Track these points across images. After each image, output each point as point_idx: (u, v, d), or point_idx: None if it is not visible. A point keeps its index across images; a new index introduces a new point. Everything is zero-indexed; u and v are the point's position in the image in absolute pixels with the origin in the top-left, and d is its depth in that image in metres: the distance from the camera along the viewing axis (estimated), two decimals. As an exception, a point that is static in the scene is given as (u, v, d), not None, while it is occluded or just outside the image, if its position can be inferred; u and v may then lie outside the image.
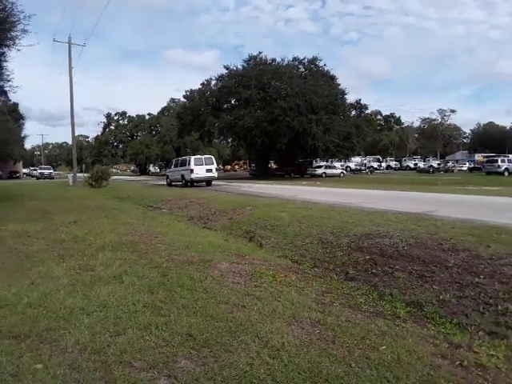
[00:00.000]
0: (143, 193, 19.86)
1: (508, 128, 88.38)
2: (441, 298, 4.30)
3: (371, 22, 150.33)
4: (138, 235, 7.86)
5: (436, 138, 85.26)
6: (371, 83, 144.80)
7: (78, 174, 33.08)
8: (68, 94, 29.98)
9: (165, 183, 30.51)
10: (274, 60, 41.12)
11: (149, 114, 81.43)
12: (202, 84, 43.44)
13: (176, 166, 26.93)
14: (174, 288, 4.40)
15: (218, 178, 41.16)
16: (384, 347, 3.07)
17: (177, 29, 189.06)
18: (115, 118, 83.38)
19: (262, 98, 37.88)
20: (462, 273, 4.76)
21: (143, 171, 78.33)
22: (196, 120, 41.76)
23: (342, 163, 52.46)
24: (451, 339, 3.38)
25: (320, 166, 44.25)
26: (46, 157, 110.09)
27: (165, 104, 79.01)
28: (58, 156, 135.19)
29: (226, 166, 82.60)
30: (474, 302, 4.14)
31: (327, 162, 47.49)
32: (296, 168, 43.25)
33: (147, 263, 5.56)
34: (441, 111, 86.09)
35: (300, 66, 42.77)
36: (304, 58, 42.23)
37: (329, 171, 42.58)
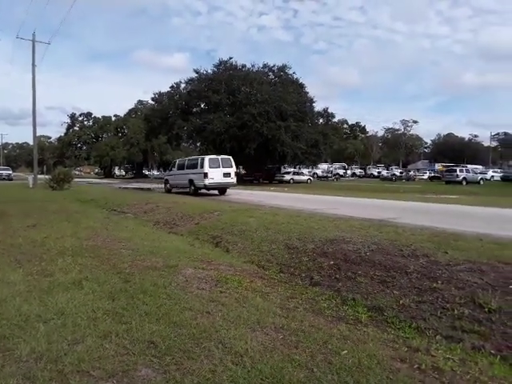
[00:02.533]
0: (107, 196, 19.34)
1: (467, 139, 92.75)
2: (401, 302, 4.42)
3: (341, 33, 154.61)
4: (101, 240, 7.64)
5: (399, 148, 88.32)
6: (340, 92, 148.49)
7: (39, 176, 31.80)
8: (31, 93, 28.86)
9: (125, 187, 29.78)
10: (244, 66, 41.42)
11: (115, 116, 79.72)
12: (172, 87, 43.09)
13: (181, 168, 21.92)
14: (137, 294, 4.30)
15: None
16: (345, 352, 3.13)
17: (148, 31, 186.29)
18: (79, 118, 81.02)
19: (231, 103, 37.97)
20: (421, 278, 4.92)
21: (108, 174, 76.41)
22: (164, 123, 41.33)
23: (310, 170, 53.32)
24: (410, 343, 3.48)
25: (288, 172, 44.81)
26: (5, 157, 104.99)
27: (132, 106, 77.55)
28: (17, 156, 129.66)
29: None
30: (432, 307, 4.28)
31: (295, 168, 48.13)
32: (264, 174, 43.51)
33: (109, 269, 5.41)
34: (404, 122, 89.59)
35: (270, 73, 43.22)
36: (274, 66, 42.75)
37: (296, 177, 43.18)
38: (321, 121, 47.55)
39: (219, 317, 3.79)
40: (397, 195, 19.82)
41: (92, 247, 6.89)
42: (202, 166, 19.32)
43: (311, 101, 43.90)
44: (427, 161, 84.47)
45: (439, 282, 4.74)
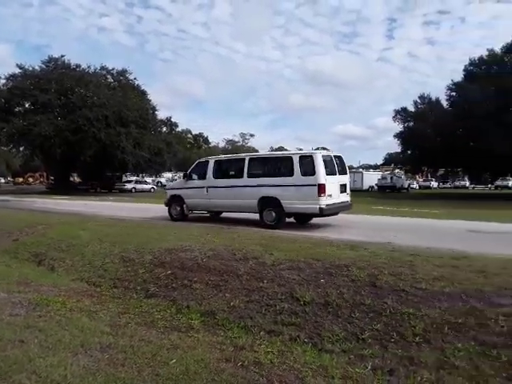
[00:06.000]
0: None
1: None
2: (231, 304, 4.68)
3: (186, 46, 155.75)
4: None
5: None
6: (185, 102, 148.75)
7: None
8: None
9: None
10: (78, 66, 38.04)
11: None
12: (-14, 82, 36.64)
13: (227, 174, 11.28)
14: None
15: (7, 192, 35.07)
16: (174, 361, 3.14)
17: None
18: None
19: (63, 105, 34.43)
20: (250, 279, 5.31)
21: None
22: (-24, 123, 34.85)
23: (154, 178, 52.28)
24: (237, 342, 3.71)
25: (130, 181, 42.97)
26: None
27: None
28: None
29: (16, 179, 71.07)
30: (258, 305, 4.65)
31: (138, 176, 46.53)
32: (103, 182, 40.65)
33: None
34: (242, 135, 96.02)
35: (108, 76, 40.79)
36: (113, 69, 40.49)
37: (139, 186, 41.66)
38: (164, 129, 47.14)
39: (35, 344, 3.36)
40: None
41: None
42: (307, 172, 9.49)
43: (154, 108, 43.08)
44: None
45: (265, 281, 5.19)
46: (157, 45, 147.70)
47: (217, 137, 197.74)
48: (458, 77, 33.85)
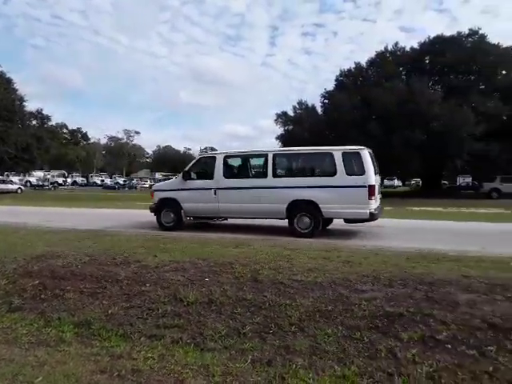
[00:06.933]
0: None
1: (182, 151, 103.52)
2: (109, 312, 4.40)
3: (61, 33, 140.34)
4: None
5: (122, 156, 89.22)
6: (61, 93, 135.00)
7: None
8: None
9: None
10: None
11: None
12: None
13: (245, 172, 9.75)
14: None
15: None
16: (40, 379, 2.84)
17: None
18: None
19: None
20: (131, 284, 5.06)
21: None
22: None
23: (22, 178, 46.70)
24: (114, 351, 3.49)
25: (-10, 181, 37.63)
26: None
27: None
28: None
29: None
30: (139, 310, 4.45)
31: (2, 175, 41.15)
32: (-45, 182, 34.86)
33: None
34: (126, 131, 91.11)
35: (-38, 59, 35.23)
36: (-32, 51, 35.08)
37: (2, 186, 36.70)
38: (34, 123, 42.39)
39: None
40: (118, 204, 19.89)
41: None
42: (354, 171, 8.33)
43: (22, 99, 38.55)
44: (149, 170, 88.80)
45: (148, 284, 5.00)
46: (27, 30, 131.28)
47: (98, 133, 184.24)
48: (331, 86, 37.38)
